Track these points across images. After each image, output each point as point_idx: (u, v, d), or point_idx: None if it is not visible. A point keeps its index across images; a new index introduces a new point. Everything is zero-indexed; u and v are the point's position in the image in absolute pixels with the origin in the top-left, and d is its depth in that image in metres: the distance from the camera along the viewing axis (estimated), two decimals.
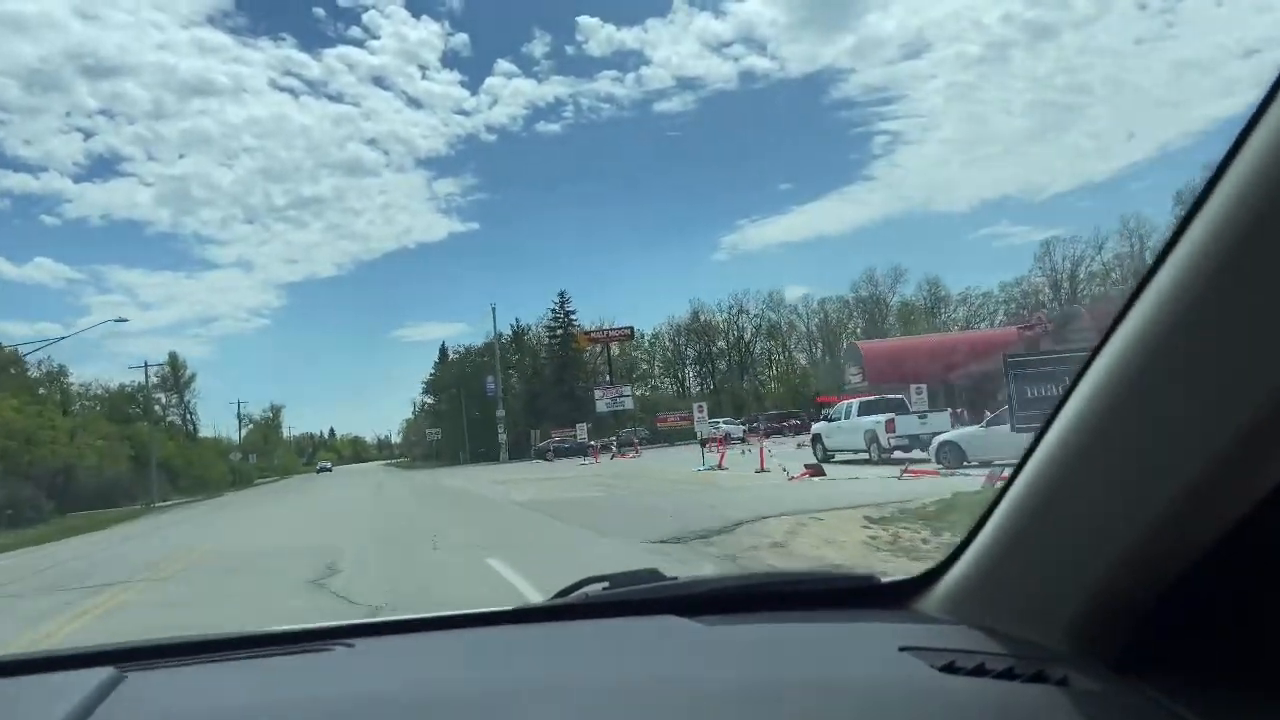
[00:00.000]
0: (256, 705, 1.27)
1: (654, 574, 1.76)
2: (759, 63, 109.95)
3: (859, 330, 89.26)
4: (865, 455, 23.91)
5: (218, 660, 1.49)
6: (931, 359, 42.41)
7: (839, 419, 25.13)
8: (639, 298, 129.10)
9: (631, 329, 75.56)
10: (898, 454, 22.37)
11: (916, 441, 21.99)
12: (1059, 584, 1.16)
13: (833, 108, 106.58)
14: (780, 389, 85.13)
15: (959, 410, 25.68)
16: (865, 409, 24.10)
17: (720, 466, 26.48)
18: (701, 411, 30.40)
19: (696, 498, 16.98)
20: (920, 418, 22.64)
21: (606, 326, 74.37)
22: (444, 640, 1.61)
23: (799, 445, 35.43)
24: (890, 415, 22.63)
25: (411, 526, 15.02)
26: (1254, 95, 0.79)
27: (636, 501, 17.27)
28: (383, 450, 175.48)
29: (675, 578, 1.75)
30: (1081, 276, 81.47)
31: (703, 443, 55.31)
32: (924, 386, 27.02)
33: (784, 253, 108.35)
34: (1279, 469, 0.84)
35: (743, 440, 48.65)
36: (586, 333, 74.84)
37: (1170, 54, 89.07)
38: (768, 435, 51.30)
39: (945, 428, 21.51)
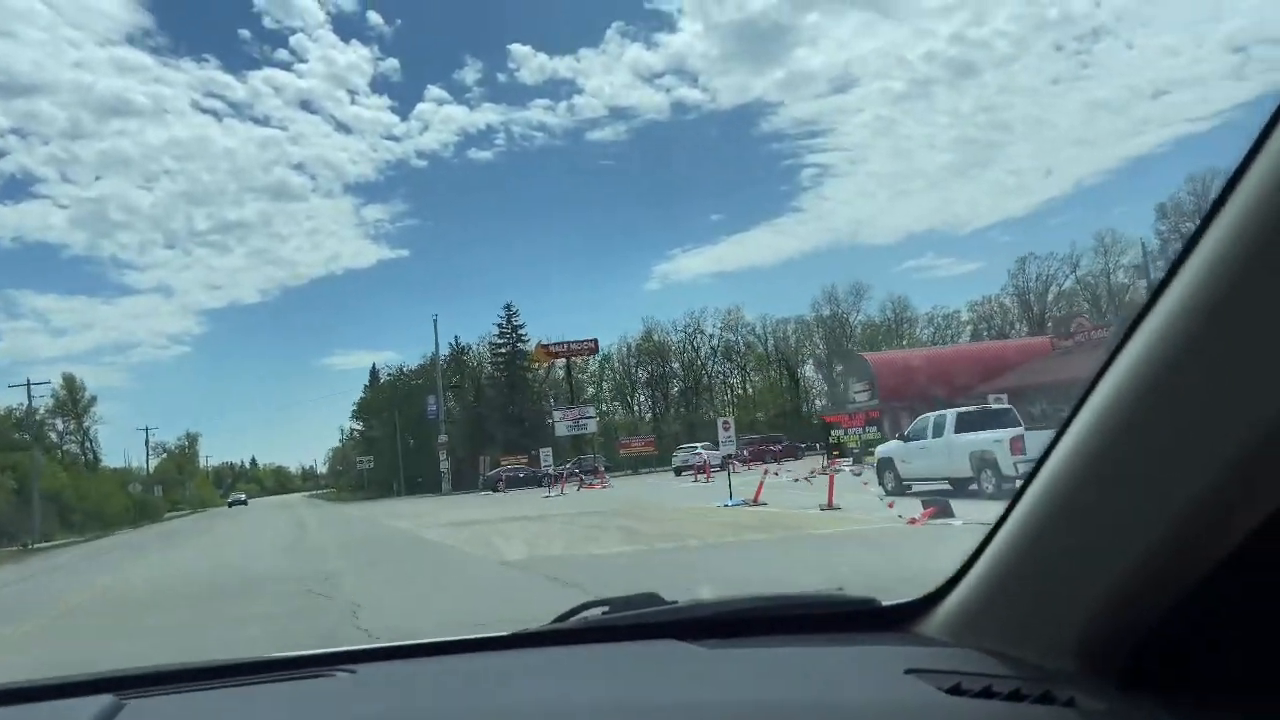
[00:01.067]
0: None
1: (654, 598, 1.72)
2: (690, 94, 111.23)
3: (820, 350, 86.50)
4: (948, 486, 17.90)
5: (218, 687, 1.45)
6: (952, 372, 37.22)
7: (921, 437, 18.97)
8: (570, 330, 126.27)
9: (596, 341, 68.52)
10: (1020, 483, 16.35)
11: None
12: (1063, 604, 1.15)
13: (763, 140, 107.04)
14: (739, 412, 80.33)
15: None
16: (964, 423, 17.99)
17: (757, 501, 20.21)
18: (728, 430, 24.03)
19: (811, 560, 10.69)
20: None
21: (568, 341, 67.12)
22: (445, 665, 1.59)
23: (812, 473, 29.50)
24: (1017, 431, 16.45)
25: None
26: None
27: (715, 568, 10.82)
28: (308, 480, 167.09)
29: (675, 601, 1.67)
30: (1050, 297, 79.71)
31: (678, 470, 49.94)
32: (1004, 396, 21.11)
33: (715, 283, 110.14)
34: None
35: (721, 468, 42.94)
36: (544, 346, 67.49)
37: (1085, 94, 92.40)
38: (750, 462, 45.54)
39: None
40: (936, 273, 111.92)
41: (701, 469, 41.31)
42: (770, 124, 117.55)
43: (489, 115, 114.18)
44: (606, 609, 1.69)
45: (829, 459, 36.22)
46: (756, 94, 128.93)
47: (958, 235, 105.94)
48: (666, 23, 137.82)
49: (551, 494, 37.23)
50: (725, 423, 24.54)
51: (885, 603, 1.58)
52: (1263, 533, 0.89)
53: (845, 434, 35.36)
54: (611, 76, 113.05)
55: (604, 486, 41.73)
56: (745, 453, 47.42)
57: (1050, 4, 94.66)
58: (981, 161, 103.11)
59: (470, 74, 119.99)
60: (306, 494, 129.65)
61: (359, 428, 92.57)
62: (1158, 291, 0.89)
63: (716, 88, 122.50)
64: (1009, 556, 1.24)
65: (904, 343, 79.38)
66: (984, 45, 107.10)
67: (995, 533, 1.27)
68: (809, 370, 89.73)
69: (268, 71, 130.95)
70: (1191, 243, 0.85)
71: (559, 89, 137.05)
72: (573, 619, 1.70)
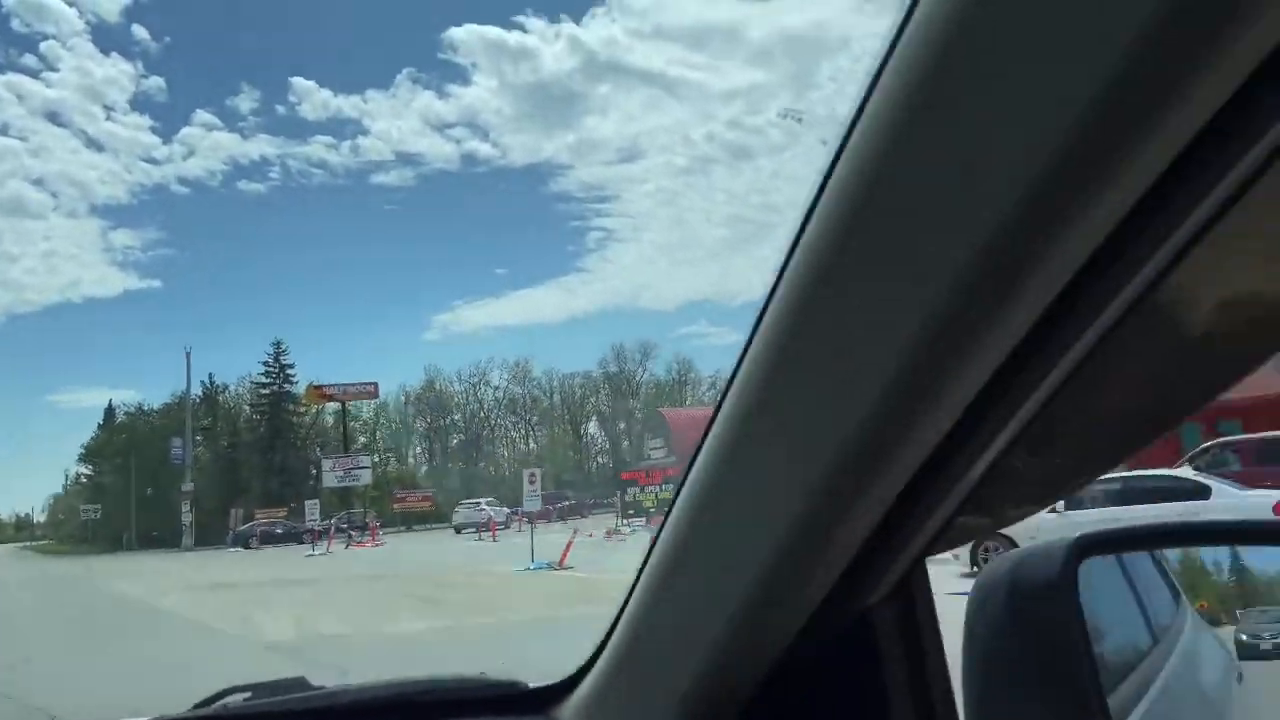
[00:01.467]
0: None
1: (300, 683, 1.61)
2: (481, 148, 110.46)
3: (605, 407, 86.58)
4: None
5: None
6: None
7: None
8: (345, 377, 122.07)
9: (375, 385, 63.87)
10: None
11: None
12: (661, 687, 1.10)
13: (552, 200, 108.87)
14: (519, 467, 78.08)
15: None
16: None
17: (562, 565, 18.10)
18: (534, 483, 21.62)
19: None
20: None
21: (344, 383, 61.85)
22: None
23: (608, 533, 27.77)
24: None
25: None
26: None
27: (568, 655, 8.60)
28: (21, 530, 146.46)
29: (323, 686, 1.58)
30: None
31: (458, 528, 46.76)
32: None
33: (499, 336, 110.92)
34: (838, 562, 0.85)
35: (505, 525, 40.53)
36: (318, 387, 61.87)
37: None
38: (536, 519, 43.37)
39: None
40: (710, 340, 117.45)
41: (486, 526, 38.72)
42: (559, 185, 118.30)
43: (264, 146, 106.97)
44: (250, 695, 1.57)
45: (623, 517, 34.73)
46: (547, 155, 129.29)
47: (730, 306, 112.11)
48: (460, 75, 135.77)
49: (316, 552, 33.34)
50: (532, 475, 22.14)
51: (532, 685, 1.51)
52: (836, 594, 0.88)
53: (642, 491, 34.04)
54: (400, 121, 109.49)
55: (376, 544, 38.02)
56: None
57: (818, 103, 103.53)
58: (753, 239, 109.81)
59: (245, 102, 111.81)
60: (18, 545, 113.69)
61: (87, 472, 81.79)
62: (742, 356, 0.83)
63: (508, 144, 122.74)
64: (626, 635, 1.14)
65: (688, 402, 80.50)
66: (758, 132, 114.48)
67: (624, 608, 1.16)
68: (593, 427, 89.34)
69: (10, 77, 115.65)
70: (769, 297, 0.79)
71: (343, 127, 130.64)
72: (214, 705, 1.56)
